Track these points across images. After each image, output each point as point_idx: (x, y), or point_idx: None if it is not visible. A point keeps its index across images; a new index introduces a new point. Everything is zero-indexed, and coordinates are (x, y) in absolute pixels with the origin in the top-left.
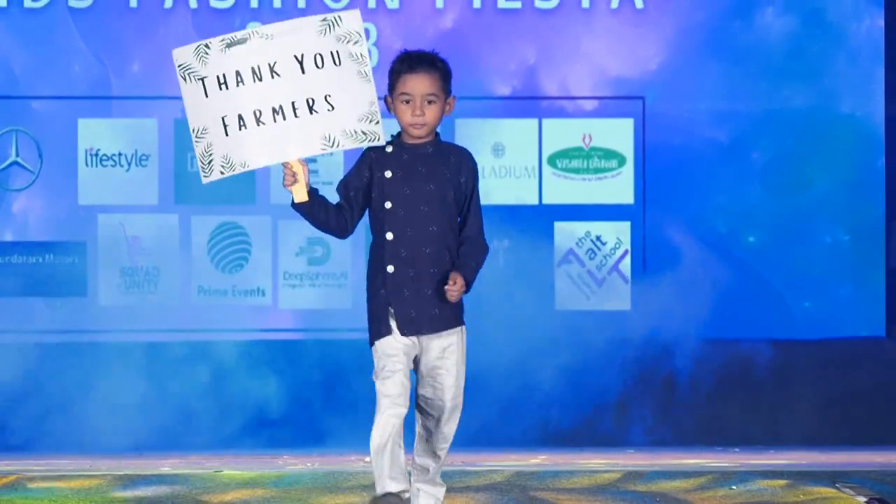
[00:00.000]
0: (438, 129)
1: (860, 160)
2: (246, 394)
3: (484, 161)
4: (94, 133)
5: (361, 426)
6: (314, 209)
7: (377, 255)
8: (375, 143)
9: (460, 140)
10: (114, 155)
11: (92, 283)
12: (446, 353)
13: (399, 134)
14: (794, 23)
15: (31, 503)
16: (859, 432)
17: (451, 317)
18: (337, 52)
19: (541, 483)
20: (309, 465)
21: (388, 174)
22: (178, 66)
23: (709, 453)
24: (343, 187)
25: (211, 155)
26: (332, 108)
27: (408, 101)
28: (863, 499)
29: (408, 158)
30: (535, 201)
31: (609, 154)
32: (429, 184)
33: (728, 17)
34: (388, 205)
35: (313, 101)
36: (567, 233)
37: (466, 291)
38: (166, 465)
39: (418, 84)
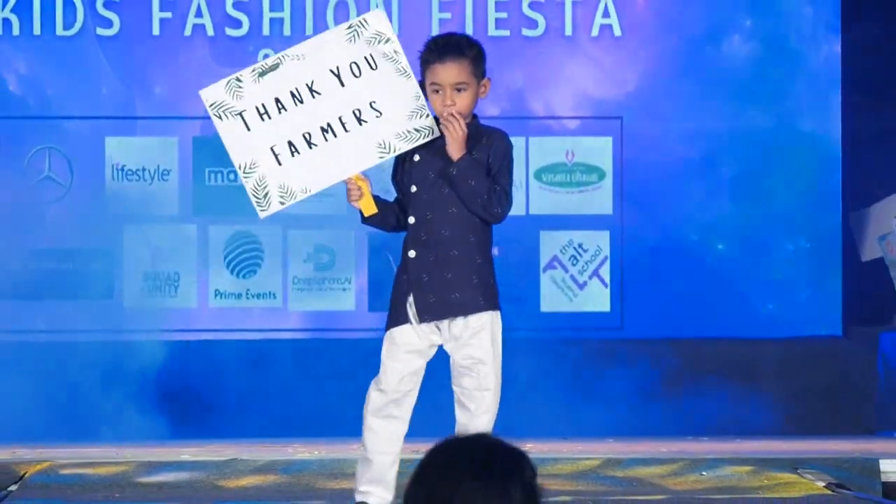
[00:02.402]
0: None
1: (819, 175)
2: (258, 388)
3: None
4: (120, 150)
5: (361, 416)
6: (385, 217)
7: (405, 240)
8: (432, 138)
9: None
10: (138, 170)
11: (118, 287)
12: (474, 338)
13: (436, 118)
14: (759, 49)
15: (63, 488)
16: (818, 423)
17: (474, 301)
18: (371, 55)
19: None
20: (316, 453)
21: (417, 157)
22: (211, 106)
23: (681, 442)
24: (393, 179)
25: (266, 188)
26: (380, 113)
27: (438, 91)
28: (822, 483)
29: (440, 143)
30: (523, 212)
31: (590, 169)
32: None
33: (699, 44)
34: (413, 188)
35: (360, 111)
36: (551, 241)
37: (460, 163)
38: (186, 453)
39: (447, 73)
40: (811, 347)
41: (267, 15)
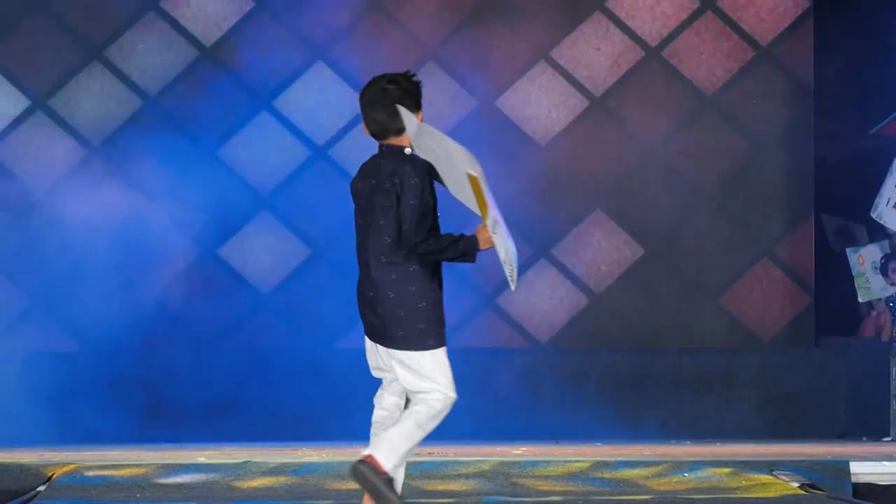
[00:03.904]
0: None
1: (794, 197)
2: (270, 394)
3: None
4: None
5: (367, 421)
6: None
7: (428, 262)
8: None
9: None
10: None
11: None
12: None
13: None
14: (738, 77)
15: (88, 489)
16: (793, 427)
17: None
18: None
19: (522, 471)
20: (324, 456)
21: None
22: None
23: (664, 445)
24: (431, 206)
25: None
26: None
27: None
28: (796, 484)
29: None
30: None
31: None
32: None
33: (680, 71)
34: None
35: None
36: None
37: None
38: (202, 456)
39: None
40: (786, 357)
41: None
